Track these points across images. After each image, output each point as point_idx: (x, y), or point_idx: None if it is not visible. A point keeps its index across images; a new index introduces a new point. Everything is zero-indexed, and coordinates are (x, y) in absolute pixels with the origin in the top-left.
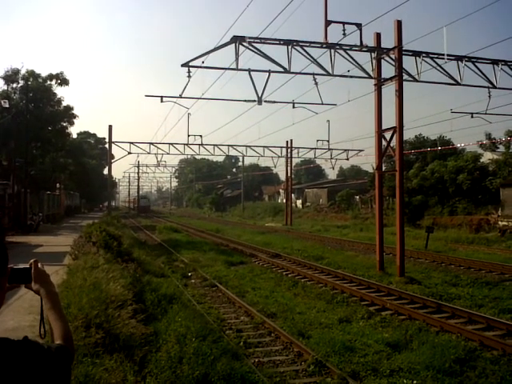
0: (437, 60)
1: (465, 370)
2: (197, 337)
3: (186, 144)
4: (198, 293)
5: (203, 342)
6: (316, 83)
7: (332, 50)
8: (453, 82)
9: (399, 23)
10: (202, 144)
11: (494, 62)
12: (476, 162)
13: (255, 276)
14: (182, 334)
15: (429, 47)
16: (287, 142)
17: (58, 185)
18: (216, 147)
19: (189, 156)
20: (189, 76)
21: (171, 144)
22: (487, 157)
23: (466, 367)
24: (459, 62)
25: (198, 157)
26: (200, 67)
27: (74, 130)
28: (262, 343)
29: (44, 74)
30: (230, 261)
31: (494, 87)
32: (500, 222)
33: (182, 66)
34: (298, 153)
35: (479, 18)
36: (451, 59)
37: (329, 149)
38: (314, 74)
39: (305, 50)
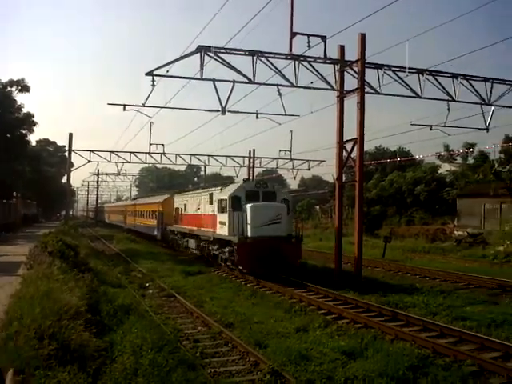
0: (398, 73)
1: (417, 377)
2: (153, 348)
3: (148, 153)
4: (156, 303)
5: (159, 353)
6: (280, 94)
7: (296, 62)
8: (413, 94)
9: (363, 36)
10: (163, 153)
11: (454, 76)
12: (434, 173)
13: (214, 286)
14: (137, 346)
15: (393, 60)
16: (250, 151)
17: (14, 193)
18: (178, 156)
19: (150, 165)
20: (153, 85)
21: (132, 152)
22: (445, 168)
23: (418, 374)
24: (420, 76)
25: (159, 166)
26: (164, 76)
27: (34, 138)
28: (218, 353)
29: (4, 79)
30: (189, 270)
31: (453, 100)
32: (456, 232)
33: (146, 74)
34: (260, 163)
35: (440, 32)
36: (412, 72)
37: (291, 159)
38: (278, 85)
39: (269, 61)
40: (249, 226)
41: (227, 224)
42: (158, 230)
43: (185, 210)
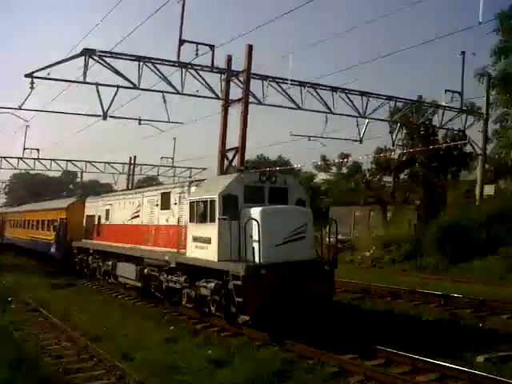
0: (282, 85)
1: (282, 381)
2: (9, 367)
3: (20, 158)
4: (18, 319)
5: (17, 372)
6: (165, 101)
7: (183, 69)
8: (294, 106)
9: (250, 47)
10: (38, 158)
11: (333, 89)
12: (310, 182)
13: (83, 299)
14: None
15: (281, 72)
16: (130, 158)
17: None
18: (53, 162)
19: (23, 171)
20: (32, 87)
21: (3, 157)
22: (321, 177)
23: (283, 378)
24: (302, 88)
25: (33, 172)
26: (45, 78)
27: None
28: (83, 368)
29: None
30: (58, 283)
31: (331, 112)
32: (327, 239)
33: (26, 76)
34: (140, 169)
35: (323, 47)
36: (294, 84)
37: (172, 166)
38: (163, 92)
39: (156, 68)
40: (259, 245)
41: (214, 242)
42: (57, 247)
43: (107, 218)
